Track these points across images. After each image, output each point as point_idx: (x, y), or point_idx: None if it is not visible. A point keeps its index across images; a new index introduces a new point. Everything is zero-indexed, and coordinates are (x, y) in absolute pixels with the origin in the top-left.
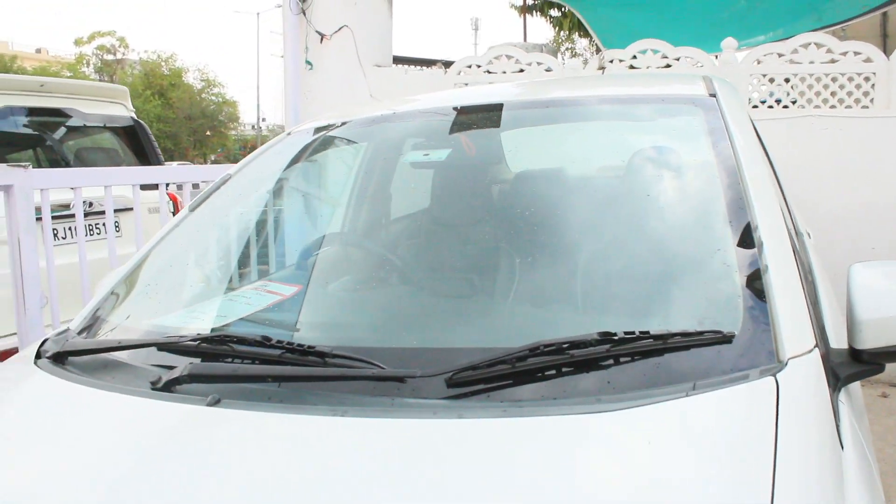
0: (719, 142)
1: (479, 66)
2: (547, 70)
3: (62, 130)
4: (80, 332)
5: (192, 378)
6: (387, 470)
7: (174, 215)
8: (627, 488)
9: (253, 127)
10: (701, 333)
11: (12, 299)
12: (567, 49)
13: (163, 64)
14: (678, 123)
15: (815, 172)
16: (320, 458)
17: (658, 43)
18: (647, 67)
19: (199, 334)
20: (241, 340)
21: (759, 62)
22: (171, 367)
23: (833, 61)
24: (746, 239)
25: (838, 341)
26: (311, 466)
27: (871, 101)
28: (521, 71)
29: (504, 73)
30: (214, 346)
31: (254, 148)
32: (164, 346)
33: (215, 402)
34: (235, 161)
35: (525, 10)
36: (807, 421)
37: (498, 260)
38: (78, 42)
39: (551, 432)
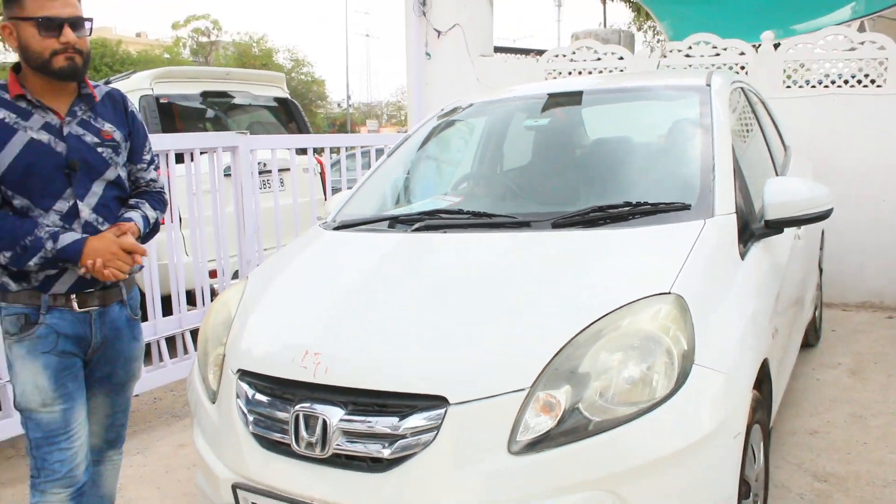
0: (705, 114)
1: (564, 56)
2: (619, 59)
3: (237, 107)
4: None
5: (427, 227)
6: (528, 247)
7: (321, 175)
8: (631, 251)
9: (340, 105)
10: (675, 203)
11: (235, 230)
12: (649, 27)
13: (254, 45)
14: (681, 103)
15: (836, 140)
16: (499, 246)
17: (709, 36)
18: (700, 56)
19: (420, 212)
20: (446, 212)
21: (791, 51)
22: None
23: (853, 49)
24: (706, 162)
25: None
26: (496, 247)
27: (885, 81)
28: (598, 59)
29: (585, 60)
30: (432, 216)
31: (342, 125)
32: (402, 219)
33: (444, 231)
34: None
35: None
36: (717, 240)
37: (575, 179)
38: (175, 26)
39: (600, 237)
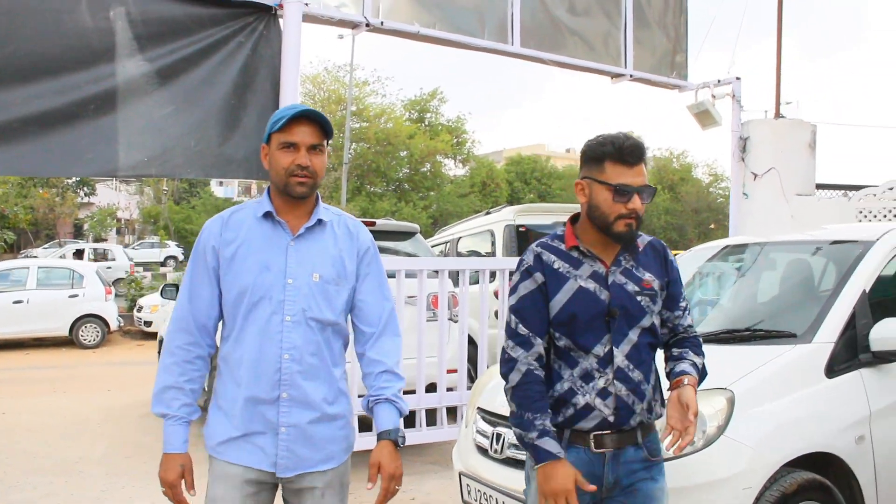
0: (855, 263)
1: (874, 195)
2: None
3: None
4: None
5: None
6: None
7: None
8: (729, 360)
9: None
10: (785, 332)
11: None
12: None
13: (674, 160)
14: (844, 253)
15: None
16: None
17: None
18: None
19: None
20: None
21: None
22: None
23: None
24: (829, 303)
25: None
26: None
27: None
28: None
29: (894, 200)
30: None
31: None
32: None
33: None
34: None
35: None
36: (798, 359)
37: (734, 307)
38: None
39: (721, 351)
